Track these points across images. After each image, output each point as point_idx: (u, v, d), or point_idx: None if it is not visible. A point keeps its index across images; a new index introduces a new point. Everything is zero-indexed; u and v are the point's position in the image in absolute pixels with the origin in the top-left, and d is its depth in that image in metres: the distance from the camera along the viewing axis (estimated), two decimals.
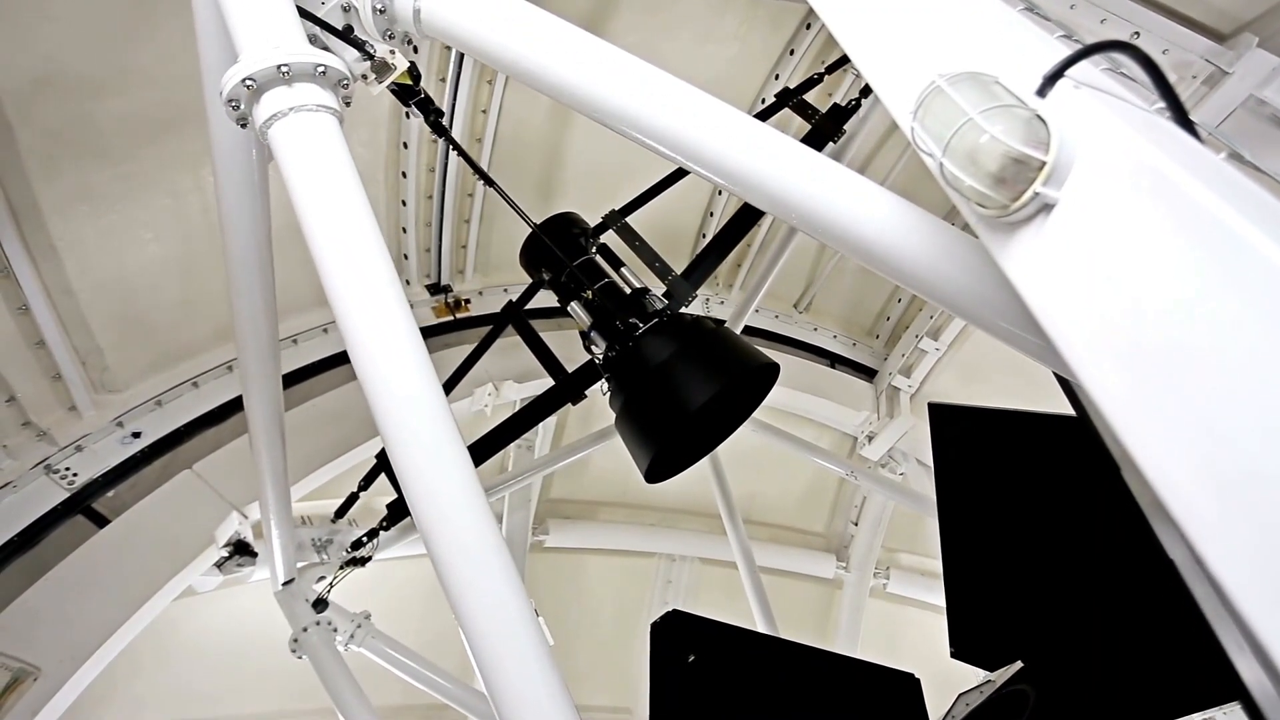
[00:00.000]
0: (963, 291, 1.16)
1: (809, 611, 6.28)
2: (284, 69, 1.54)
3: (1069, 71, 0.89)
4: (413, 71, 2.03)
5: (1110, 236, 0.68)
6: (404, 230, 4.63)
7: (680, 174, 3.31)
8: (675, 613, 2.43)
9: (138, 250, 3.59)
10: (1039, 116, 0.85)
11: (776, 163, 1.33)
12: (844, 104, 3.74)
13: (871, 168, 5.40)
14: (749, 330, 5.88)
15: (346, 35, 1.82)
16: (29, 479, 3.40)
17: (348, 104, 1.67)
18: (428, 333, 4.83)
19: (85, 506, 3.48)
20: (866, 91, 3.94)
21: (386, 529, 3.51)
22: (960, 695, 2.24)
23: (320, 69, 1.58)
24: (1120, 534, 1.92)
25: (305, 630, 3.27)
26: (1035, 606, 2.14)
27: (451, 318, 4.90)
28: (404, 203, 4.51)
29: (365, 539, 3.50)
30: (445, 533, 1.33)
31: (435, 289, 4.91)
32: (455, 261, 4.93)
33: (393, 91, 2.17)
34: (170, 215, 3.56)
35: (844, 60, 4.04)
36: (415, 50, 1.93)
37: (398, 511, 3.44)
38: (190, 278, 3.83)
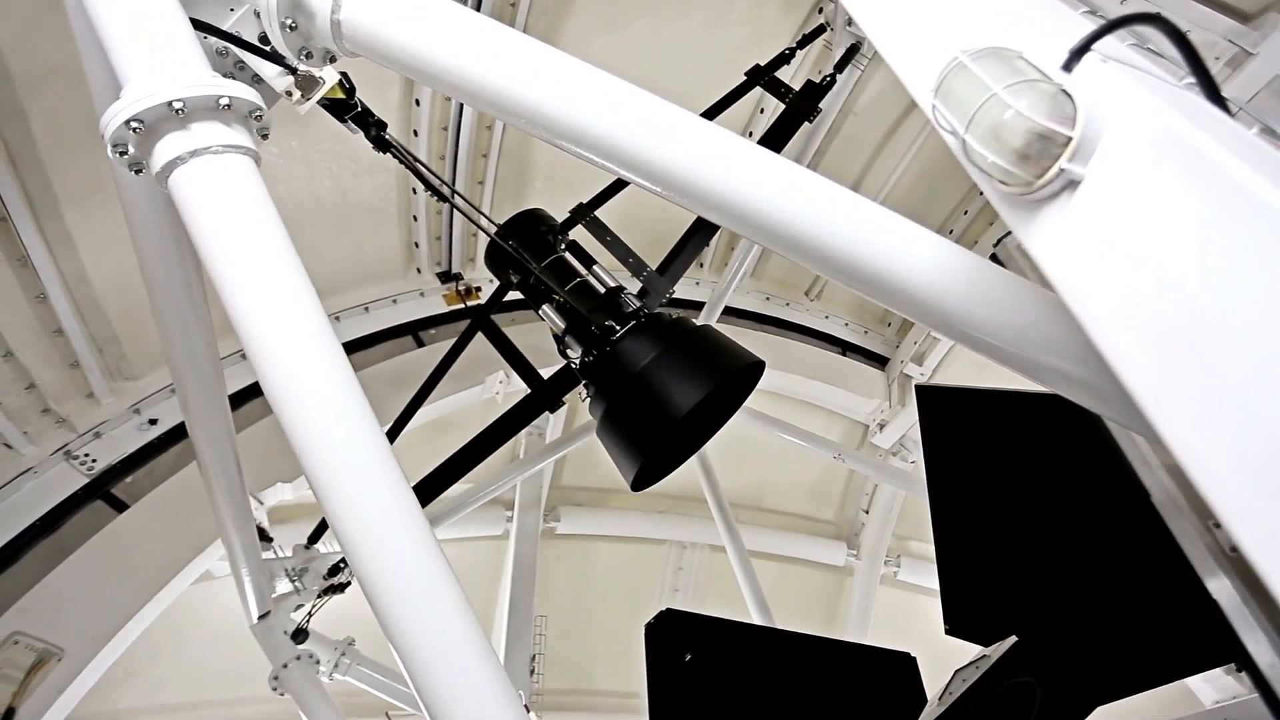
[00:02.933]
0: (987, 321, 1.08)
1: (819, 599, 6.29)
2: (177, 105, 1.25)
3: (1095, 46, 0.87)
4: (345, 83, 1.83)
5: (1140, 212, 0.67)
6: (415, 218, 4.64)
7: None
8: (669, 612, 2.43)
9: None
10: (1064, 91, 0.83)
11: (775, 191, 1.20)
12: (819, 80, 3.56)
13: (873, 170, 5.38)
14: (762, 319, 5.87)
15: (261, 49, 1.54)
16: (49, 465, 3.46)
17: (265, 136, 1.43)
18: (438, 320, 4.85)
19: (104, 492, 3.54)
20: (841, 66, 3.78)
21: None
22: (957, 671, 2.26)
23: (224, 101, 1.30)
24: (1109, 504, 1.94)
25: (285, 666, 3.04)
26: (1028, 581, 2.16)
27: (462, 305, 4.91)
28: (414, 190, 4.52)
29: (342, 564, 3.31)
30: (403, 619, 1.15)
31: (446, 277, 4.92)
32: (466, 249, 4.94)
33: (324, 107, 1.95)
34: None
35: (818, 32, 3.82)
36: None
37: None
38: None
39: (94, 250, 3.39)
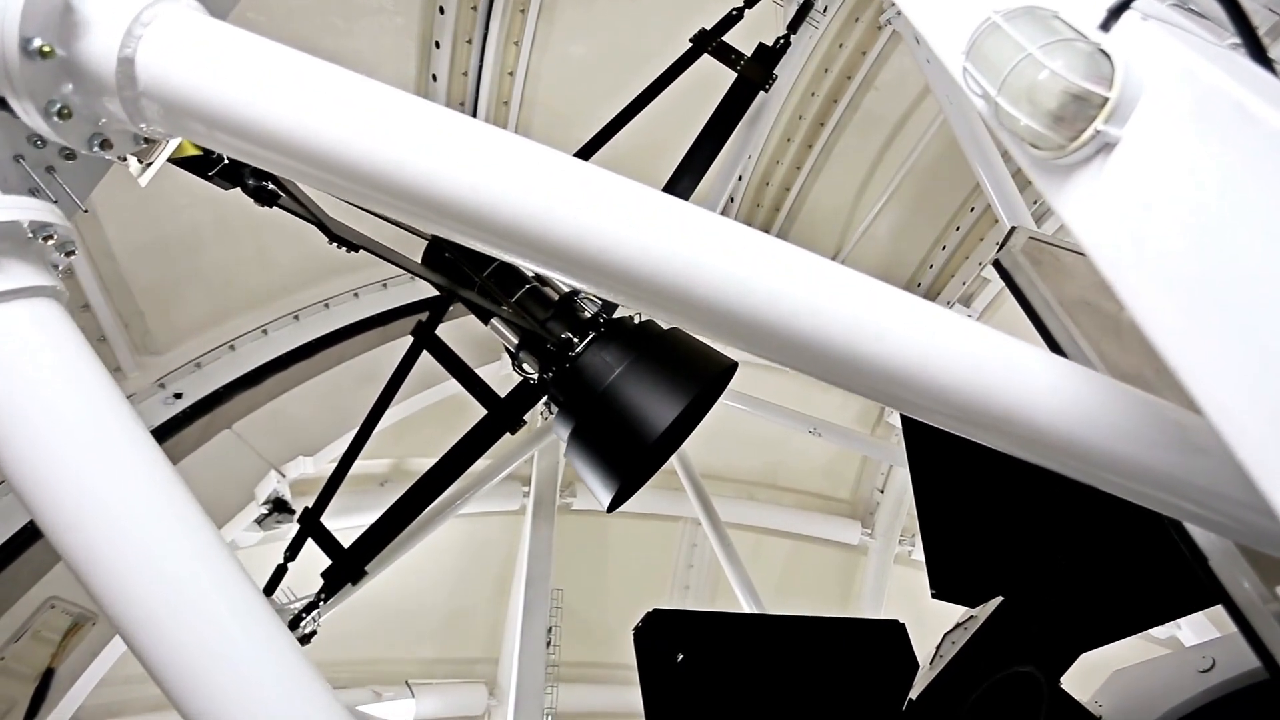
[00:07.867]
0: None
1: (834, 577, 6.32)
2: None
3: (1135, 4, 0.84)
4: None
5: (1180, 173, 0.65)
6: None
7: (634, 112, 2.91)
8: (656, 612, 2.40)
9: (175, 216, 3.65)
10: (1102, 50, 0.80)
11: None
12: (772, 44, 3.18)
13: (868, 188, 5.29)
14: None
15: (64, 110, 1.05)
16: None
17: (71, 253, 1.05)
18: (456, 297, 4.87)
19: None
20: (794, 26, 3.45)
21: (326, 600, 3.11)
22: (946, 634, 2.26)
23: None
24: None
25: None
26: (1010, 540, 2.17)
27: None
28: None
29: (303, 613, 3.11)
30: None
31: None
32: None
33: (182, 166, 1.59)
34: (205, 182, 3.60)
35: None
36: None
37: (335, 579, 3.02)
38: (224, 243, 3.89)
39: (118, 226, 3.43)
